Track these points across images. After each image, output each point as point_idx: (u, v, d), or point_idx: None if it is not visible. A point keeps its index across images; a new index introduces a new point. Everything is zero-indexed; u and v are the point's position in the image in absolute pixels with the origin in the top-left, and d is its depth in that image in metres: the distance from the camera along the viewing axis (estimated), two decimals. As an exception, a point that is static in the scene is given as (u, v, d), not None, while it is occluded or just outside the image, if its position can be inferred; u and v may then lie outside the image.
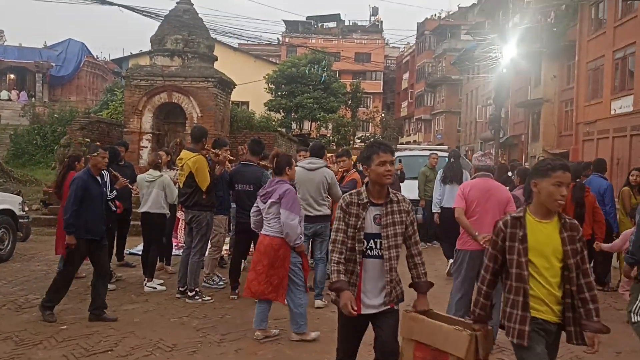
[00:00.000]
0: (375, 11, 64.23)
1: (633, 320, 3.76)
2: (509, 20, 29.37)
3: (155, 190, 7.43)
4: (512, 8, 29.56)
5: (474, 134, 41.70)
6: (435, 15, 54.92)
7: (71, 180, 6.03)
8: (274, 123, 22.91)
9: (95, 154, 5.97)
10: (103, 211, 6.07)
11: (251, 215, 5.38)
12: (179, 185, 7.01)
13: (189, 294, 6.56)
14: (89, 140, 14.01)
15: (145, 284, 7.16)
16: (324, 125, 32.70)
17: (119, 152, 7.67)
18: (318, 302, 6.39)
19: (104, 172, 7.10)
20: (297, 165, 6.44)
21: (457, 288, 5.28)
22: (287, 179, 5.29)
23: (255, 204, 5.37)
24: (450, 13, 54.92)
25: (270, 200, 5.14)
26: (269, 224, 5.18)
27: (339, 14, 61.58)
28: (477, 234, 5.03)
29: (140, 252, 7.92)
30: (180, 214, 9.73)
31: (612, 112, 21.32)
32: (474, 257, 5.11)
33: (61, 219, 7.85)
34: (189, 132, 13.43)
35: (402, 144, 43.31)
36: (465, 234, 5.21)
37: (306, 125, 33.82)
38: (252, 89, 28.76)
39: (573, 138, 24.72)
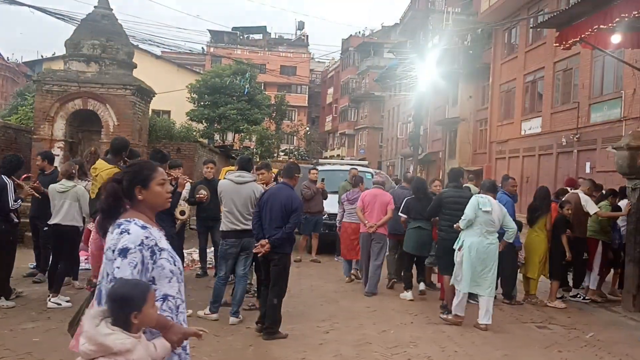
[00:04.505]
0: (301, 25, 64.83)
1: None
2: (428, 41, 30.41)
3: (68, 202, 7.11)
4: (432, 30, 30.63)
5: (395, 150, 42.75)
6: (359, 32, 56.09)
7: (298, 203, 6.10)
8: (195, 133, 22.47)
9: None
10: None
11: (338, 213, 9.71)
12: (90, 197, 6.67)
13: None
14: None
15: (50, 299, 6.73)
16: (247, 137, 32.46)
17: (22, 160, 7.22)
18: (233, 320, 6.21)
19: (7, 181, 6.67)
20: (225, 178, 6.74)
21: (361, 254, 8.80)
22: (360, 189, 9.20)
23: (340, 209, 9.68)
24: (374, 31, 56.28)
25: (358, 203, 8.73)
26: (354, 216, 8.92)
27: (265, 27, 61.69)
28: (367, 222, 8.43)
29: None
30: (91, 226, 9.31)
31: (523, 133, 22.49)
32: (364, 237, 8.58)
33: None
34: (105, 140, 12.99)
35: (325, 158, 43.80)
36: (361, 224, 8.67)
37: (229, 136, 33.37)
38: (174, 99, 28.13)
39: (487, 156, 25.84)
